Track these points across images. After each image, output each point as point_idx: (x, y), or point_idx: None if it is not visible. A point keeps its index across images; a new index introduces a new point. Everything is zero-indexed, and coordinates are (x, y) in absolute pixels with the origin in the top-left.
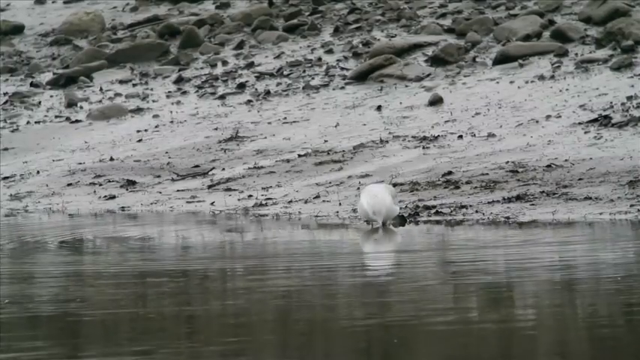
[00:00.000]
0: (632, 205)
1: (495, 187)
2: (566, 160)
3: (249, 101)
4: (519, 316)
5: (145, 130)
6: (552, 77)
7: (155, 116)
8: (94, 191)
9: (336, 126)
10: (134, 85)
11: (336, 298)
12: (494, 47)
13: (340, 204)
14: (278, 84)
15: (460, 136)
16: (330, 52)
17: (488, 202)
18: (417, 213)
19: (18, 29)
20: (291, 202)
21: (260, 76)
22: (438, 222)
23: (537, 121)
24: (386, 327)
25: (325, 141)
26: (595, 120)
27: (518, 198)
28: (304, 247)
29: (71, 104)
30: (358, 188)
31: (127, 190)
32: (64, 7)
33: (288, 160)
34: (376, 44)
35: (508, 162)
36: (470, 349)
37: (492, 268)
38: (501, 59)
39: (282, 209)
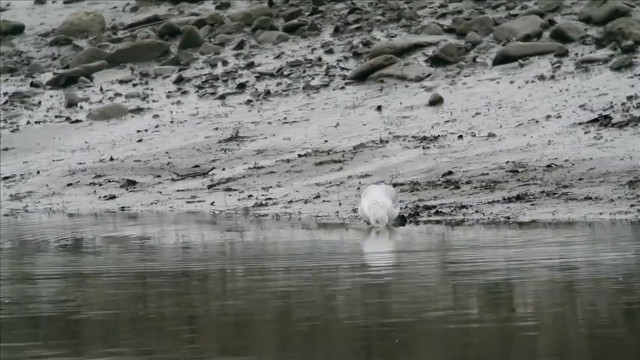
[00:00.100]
0: (632, 205)
1: (495, 187)
2: (566, 160)
3: (250, 101)
4: (519, 316)
5: (145, 130)
6: (552, 77)
7: (155, 116)
8: (94, 191)
9: (336, 126)
10: (134, 85)
11: (336, 298)
12: (495, 47)
13: (340, 204)
14: (278, 84)
15: (460, 136)
16: (330, 52)
17: (489, 202)
18: (417, 213)
19: (18, 29)
20: (291, 202)
21: (260, 76)
22: (438, 222)
23: (537, 121)
24: (386, 327)
25: (325, 141)
26: (595, 120)
27: (519, 198)
28: (304, 247)
29: (71, 104)
30: (358, 188)
31: (127, 190)
32: (64, 7)
33: (288, 160)
34: (376, 44)
35: (508, 162)
36: (470, 349)
37: (492, 268)
38: (501, 59)
39: (282, 209)
